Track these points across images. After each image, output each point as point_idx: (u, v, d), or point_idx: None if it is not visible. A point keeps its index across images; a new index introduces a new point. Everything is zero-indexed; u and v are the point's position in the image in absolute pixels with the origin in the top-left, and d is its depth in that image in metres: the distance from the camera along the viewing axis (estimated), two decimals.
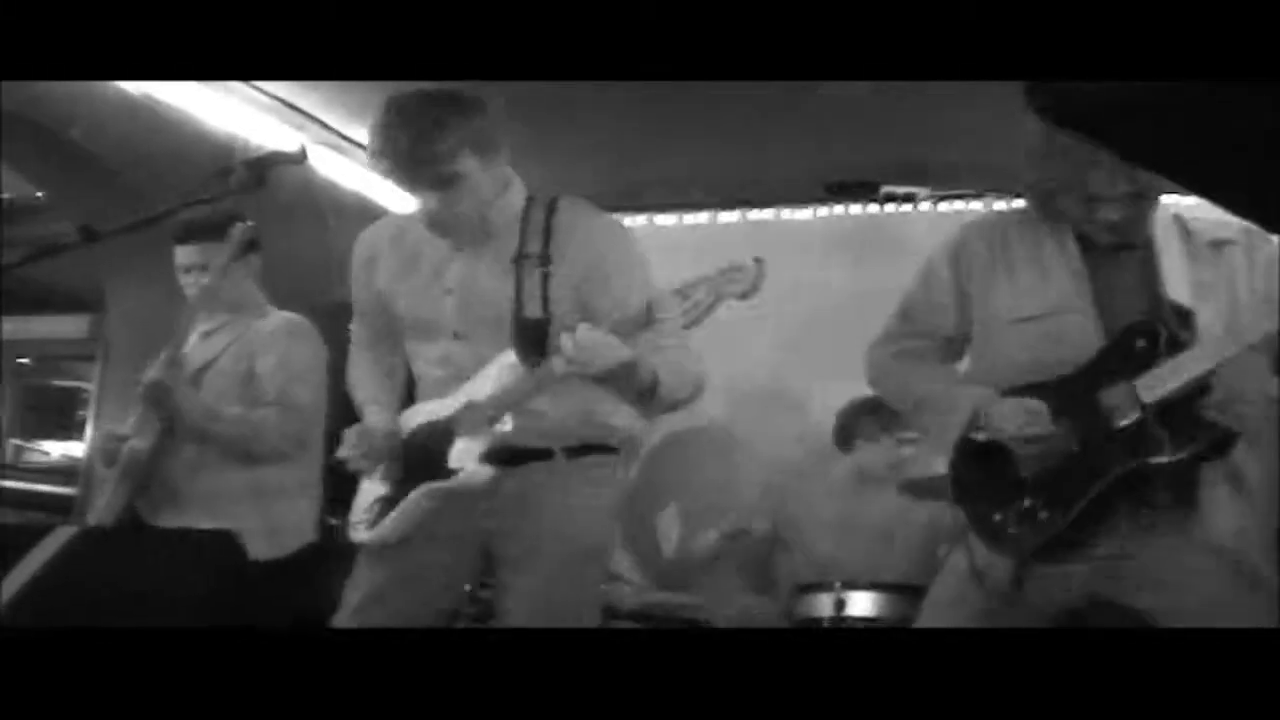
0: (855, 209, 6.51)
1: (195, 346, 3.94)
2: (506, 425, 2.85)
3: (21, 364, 8.67)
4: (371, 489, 3.06)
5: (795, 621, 4.08)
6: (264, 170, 2.97)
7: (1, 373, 8.51)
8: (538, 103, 4.48)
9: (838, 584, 4.01)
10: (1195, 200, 1.92)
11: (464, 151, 2.84)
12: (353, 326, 3.33)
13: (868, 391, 3.26)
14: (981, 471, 2.83)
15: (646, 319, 2.63)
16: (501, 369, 2.87)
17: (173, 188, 3.56)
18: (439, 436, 2.93)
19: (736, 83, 2.69)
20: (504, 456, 2.89)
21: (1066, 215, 2.82)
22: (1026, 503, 2.74)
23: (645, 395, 2.84)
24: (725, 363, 6.16)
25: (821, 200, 6.53)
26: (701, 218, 6.78)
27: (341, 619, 2.97)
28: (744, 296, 2.58)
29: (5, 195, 7.30)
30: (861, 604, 3.96)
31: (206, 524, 3.67)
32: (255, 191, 2.87)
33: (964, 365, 3.05)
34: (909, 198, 6.31)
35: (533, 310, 2.90)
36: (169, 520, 3.80)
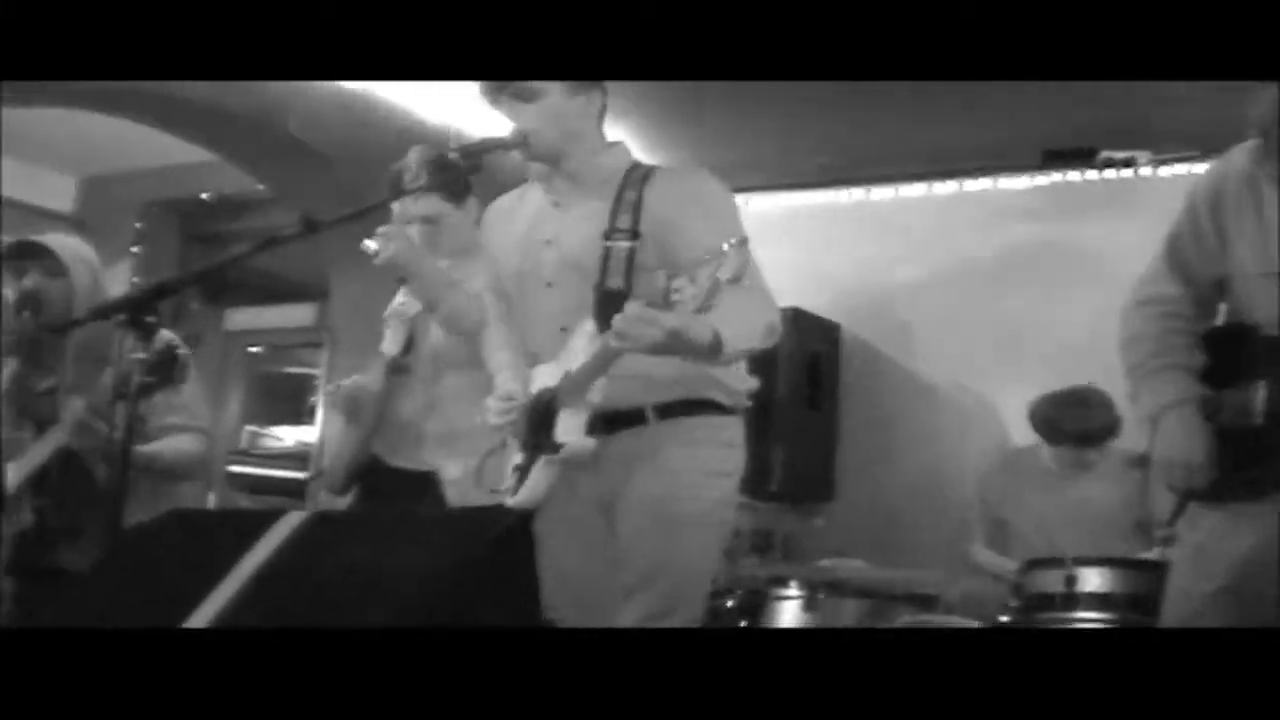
0: (1073, 175, 6.33)
1: None
2: (597, 395, 2.87)
3: (254, 353, 8.97)
4: (511, 457, 3.09)
5: (1024, 598, 3.98)
6: (479, 157, 3.00)
7: (235, 362, 8.83)
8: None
9: (1069, 559, 3.90)
10: None
11: None
12: (487, 297, 3.35)
13: None
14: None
15: (664, 300, 2.56)
16: (585, 340, 2.89)
17: (387, 178, 3.62)
18: (549, 405, 2.95)
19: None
20: (600, 424, 2.90)
21: None
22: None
23: (710, 354, 2.73)
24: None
25: (1039, 168, 6.36)
26: (917, 189, 6.68)
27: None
28: (735, 280, 2.50)
29: (227, 191, 7.55)
30: (1093, 580, 3.85)
31: (447, 462, 3.71)
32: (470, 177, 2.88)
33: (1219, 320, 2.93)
34: (1128, 163, 6.11)
35: (615, 282, 2.91)
36: (407, 460, 3.85)
